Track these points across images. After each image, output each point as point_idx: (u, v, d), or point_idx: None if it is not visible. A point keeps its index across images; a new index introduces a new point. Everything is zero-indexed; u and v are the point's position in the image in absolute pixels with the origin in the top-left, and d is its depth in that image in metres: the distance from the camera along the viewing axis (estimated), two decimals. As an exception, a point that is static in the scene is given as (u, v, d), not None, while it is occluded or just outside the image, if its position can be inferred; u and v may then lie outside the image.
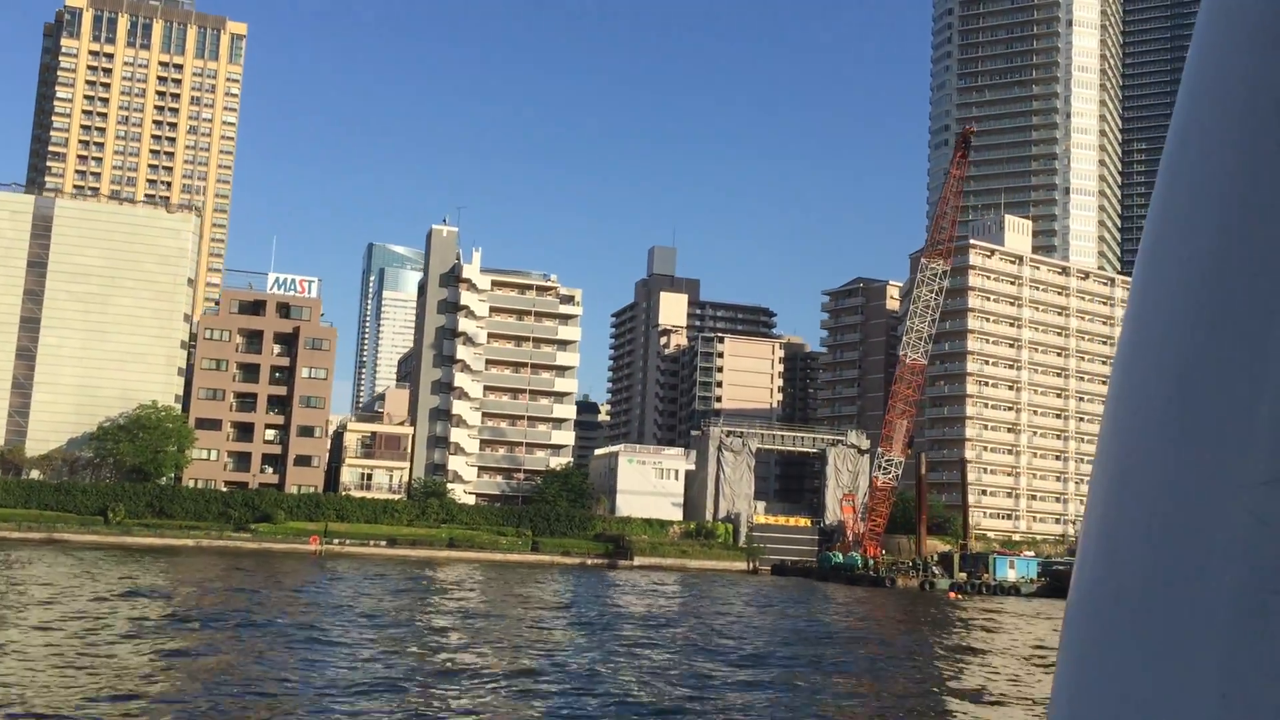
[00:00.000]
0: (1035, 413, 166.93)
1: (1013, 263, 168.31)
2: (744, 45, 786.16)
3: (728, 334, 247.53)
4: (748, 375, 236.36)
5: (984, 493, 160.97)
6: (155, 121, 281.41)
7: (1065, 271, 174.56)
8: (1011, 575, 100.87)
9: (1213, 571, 0.98)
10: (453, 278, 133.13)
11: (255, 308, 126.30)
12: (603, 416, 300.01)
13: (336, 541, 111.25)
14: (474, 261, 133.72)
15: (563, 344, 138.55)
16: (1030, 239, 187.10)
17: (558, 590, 71.97)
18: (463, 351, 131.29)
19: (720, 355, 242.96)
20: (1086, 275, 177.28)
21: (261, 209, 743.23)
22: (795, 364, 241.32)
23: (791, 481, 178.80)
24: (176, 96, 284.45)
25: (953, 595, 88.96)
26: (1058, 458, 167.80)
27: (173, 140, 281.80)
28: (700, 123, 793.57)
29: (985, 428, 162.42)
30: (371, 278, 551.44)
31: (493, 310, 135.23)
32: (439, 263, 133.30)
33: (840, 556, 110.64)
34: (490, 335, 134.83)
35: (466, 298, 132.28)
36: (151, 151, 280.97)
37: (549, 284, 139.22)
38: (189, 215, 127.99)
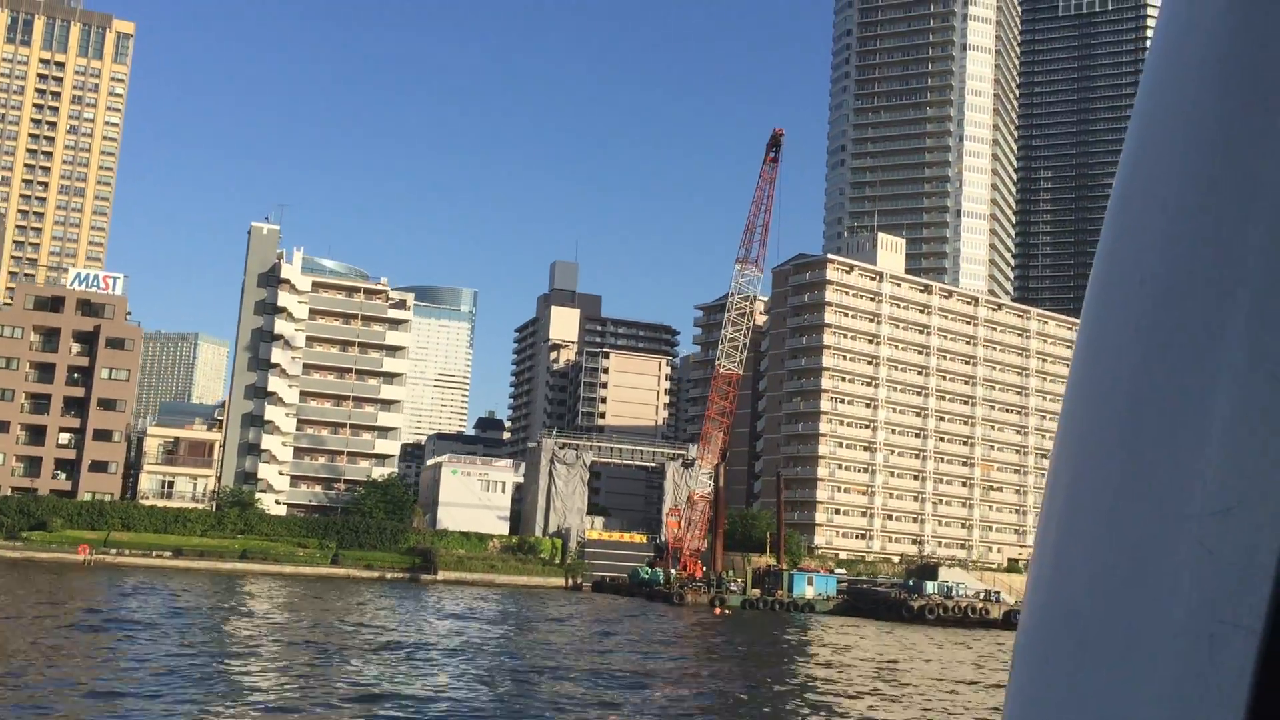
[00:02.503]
0: (893, 431, 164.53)
1: (873, 279, 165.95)
2: (650, 62, 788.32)
3: (629, 350, 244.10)
4: (634, 391, 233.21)
5: (837, 511, 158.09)
6: (34, 120, 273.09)
7: (928, 290, 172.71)
8: (809, 592, 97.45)
9: (1162, 601, 0.99)
10: (271, 278, 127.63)
11: (54, 304, 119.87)
12: (506, 434, 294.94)
13: (115, 552, 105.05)
14: (294, 262, 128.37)
15: (391, 349, 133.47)
16: (903, 257, 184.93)
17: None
18: (278, 355, 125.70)
19: (606, 371, 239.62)
20: (950, 294, 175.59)
21: (172, 214, 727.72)
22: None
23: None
24: (57, 95, 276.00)
25: (717, 612, 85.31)
26: (916, 477, 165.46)
27: (51, 140, 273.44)
28: (613, 138, 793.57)
29: (840, 445, 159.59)
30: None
31: (316, 313, 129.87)
32: (258, 263, 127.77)
33: (647, 572, 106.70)
34: (312, 339, 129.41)
35: (285, 299, 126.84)
36: (29, 150, 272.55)
37: (378, 287, 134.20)
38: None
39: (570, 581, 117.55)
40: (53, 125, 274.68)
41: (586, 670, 38.08)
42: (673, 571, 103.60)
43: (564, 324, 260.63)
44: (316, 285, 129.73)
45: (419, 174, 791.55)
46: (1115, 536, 1.05)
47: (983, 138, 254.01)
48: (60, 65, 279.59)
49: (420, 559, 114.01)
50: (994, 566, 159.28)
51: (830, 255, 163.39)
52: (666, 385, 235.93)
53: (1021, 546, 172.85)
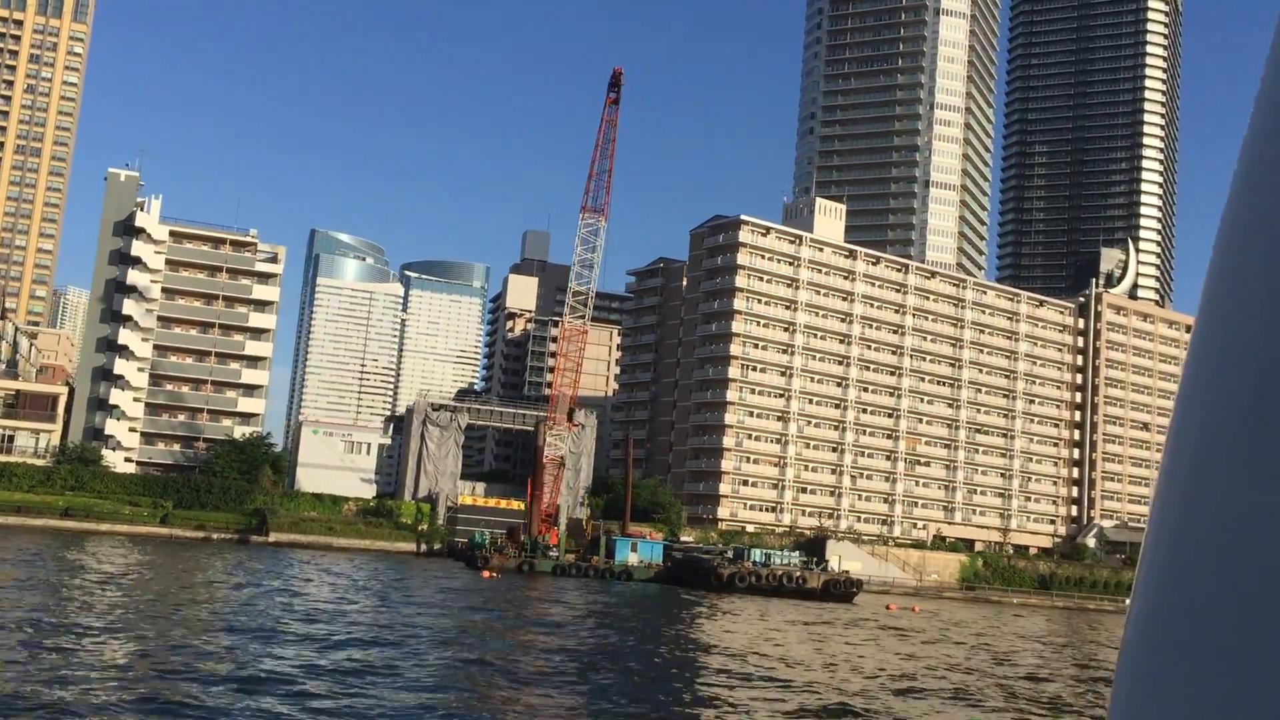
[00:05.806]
0: (810, 401, 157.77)
1: (792, 242, 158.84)
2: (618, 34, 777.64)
3: (600, 322, 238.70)
4: (585, 362, 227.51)
5: (744, 483, 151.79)
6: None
7: (853, 255, 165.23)
8: (632, 559, 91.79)
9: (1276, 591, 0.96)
10: (127, 227, 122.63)
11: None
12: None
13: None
14: (152, 211, 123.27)
15: (260, 304, 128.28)
16: (843, 224, 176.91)
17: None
18: (131, 307, 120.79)
19: (555, 340, 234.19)
20: (877, 260, 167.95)
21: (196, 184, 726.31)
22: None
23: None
24: (15, 54, 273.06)
25: (486, 575, 79.82)
26: (833, 450, 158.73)
27: (7, 99, 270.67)
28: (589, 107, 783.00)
29: (750, 414, 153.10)
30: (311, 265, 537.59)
31: (176, 265, 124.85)
32: (114, 210, 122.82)
33: (481, 536, 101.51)
34: (171, 291, 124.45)
35: (140, 249, 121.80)
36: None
37: (246, 239, 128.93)
38: None
39: (421, 547, 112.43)
40: (9, 84, 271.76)
41: None
42: (490, 535, 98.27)
43: (522, 292, 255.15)
44: (176, 235, 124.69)
45: (424, 155, 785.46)
46: (1239, 511, 1.03)
47: (955, 105, 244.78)
48: (19, 24, 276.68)
49: (258, 520, 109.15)
50: (910, 543, 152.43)
51: (744, 217, 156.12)
52: (618, 355, 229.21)
53: (948, 523, 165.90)
